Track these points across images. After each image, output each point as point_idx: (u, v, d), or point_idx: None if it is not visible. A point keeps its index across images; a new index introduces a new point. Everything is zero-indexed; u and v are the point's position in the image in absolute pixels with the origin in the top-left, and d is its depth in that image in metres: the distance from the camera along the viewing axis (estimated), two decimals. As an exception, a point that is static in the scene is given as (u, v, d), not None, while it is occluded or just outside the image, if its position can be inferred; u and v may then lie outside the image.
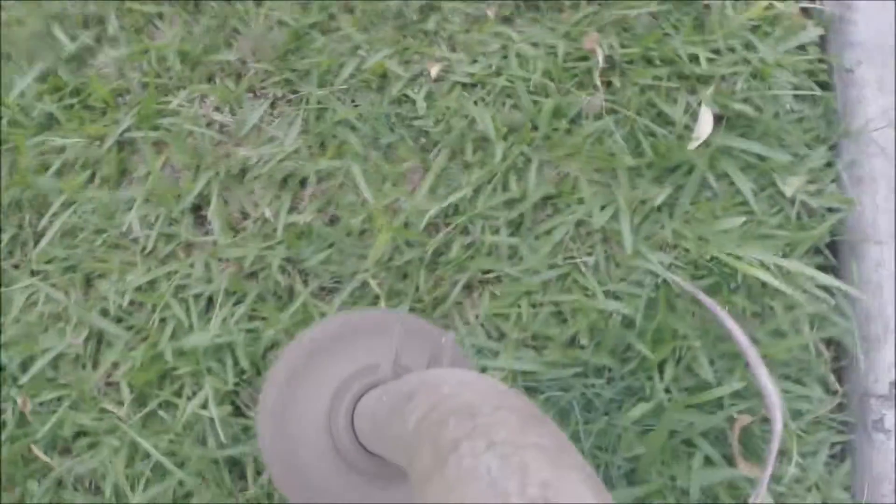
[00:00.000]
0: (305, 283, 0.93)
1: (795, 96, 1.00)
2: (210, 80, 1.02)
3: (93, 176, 1.01)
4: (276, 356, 0.76)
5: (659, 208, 0.94)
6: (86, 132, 1.00)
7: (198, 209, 0.98)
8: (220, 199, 0.97)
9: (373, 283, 0.90)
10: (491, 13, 1.02)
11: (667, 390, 0.87)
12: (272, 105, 1.00)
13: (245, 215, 0.97)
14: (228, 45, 1.03)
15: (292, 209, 0.96)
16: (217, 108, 1.00)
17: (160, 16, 1.06)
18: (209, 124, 1.00)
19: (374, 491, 0.64)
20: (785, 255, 0.92)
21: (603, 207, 0.94)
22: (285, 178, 0.96)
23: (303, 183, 0.97)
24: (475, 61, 1.00)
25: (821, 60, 1.03)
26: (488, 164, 0.95)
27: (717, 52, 1.01)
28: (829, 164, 0.99)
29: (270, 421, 0.67)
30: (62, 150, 1.01)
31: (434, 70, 0.99)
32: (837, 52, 1.03)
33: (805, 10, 1.06)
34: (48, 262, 0.97)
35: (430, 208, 0.92)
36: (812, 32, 1.03)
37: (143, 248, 0.96)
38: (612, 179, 0.95)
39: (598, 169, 0.95)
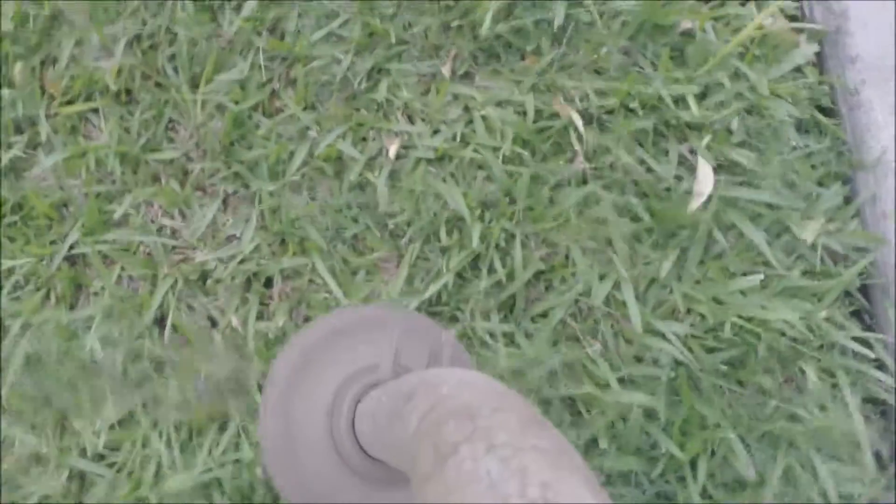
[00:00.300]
0: None
1: (798, 129, 0.88)
2: (155, 180, 0.92)
3: (48, 294, 0.92)
4: (277, 356, 0.73)
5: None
6: (32, 252, 0.91)
7: (163, 320, 0.90)
8: (182, 310, 0.88)
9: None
10: (446, 71, 0.89)
11: (703, 492, 0.79)
12: (224, 202, 0.90)
13: (213, 322, 0.89)
14: (170, 140, 0.92)
15: (261, 315, 0.87)
16: (166, 213, 0.90)
17: (95, 111, 0.94)
18: (160, 230, 0.90)
19: (375, 493, 0.62)
20: (812, 310, 0.83)
21: (602, 278, 0.84)
22: (248, 280, 0.87)
23: (269, 283, 0.88)
24: (437, 132, 0.89)
25: (821, 82, 0.90)
26: (467, 246, 0.85)
27: (704, 89, 0.88)
28: (847, 201, 0.88)
29: (271, 422, 0.65)
30: (11, 271, 0.92)
31: (393, 148, 0.87)
32: (837, 70, 0.90)
33: (794, 24, 0.92)
34: (18, 397, 0.90)
35: (410, 301, 0.83)
36: (806, 50, 0.89)
37: (112, 373, 0.88)
38: (608, 247, 0.85)
39: (592, 237, 0.84)
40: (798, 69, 0.90)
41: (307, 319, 0.86)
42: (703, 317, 0.83)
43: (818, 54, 0.91)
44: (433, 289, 0.83)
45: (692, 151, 0.87)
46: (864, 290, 0.87)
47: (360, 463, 0.60)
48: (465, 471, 0.29)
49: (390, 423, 0.41)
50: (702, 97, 0.88)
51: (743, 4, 0.93)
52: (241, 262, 0.87)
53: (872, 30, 0.88)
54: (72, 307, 0.91)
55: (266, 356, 0.84)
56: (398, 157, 0.88)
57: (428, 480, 0.30)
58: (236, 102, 0.90)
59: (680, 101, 0.87)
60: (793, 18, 0.93)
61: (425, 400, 0.36)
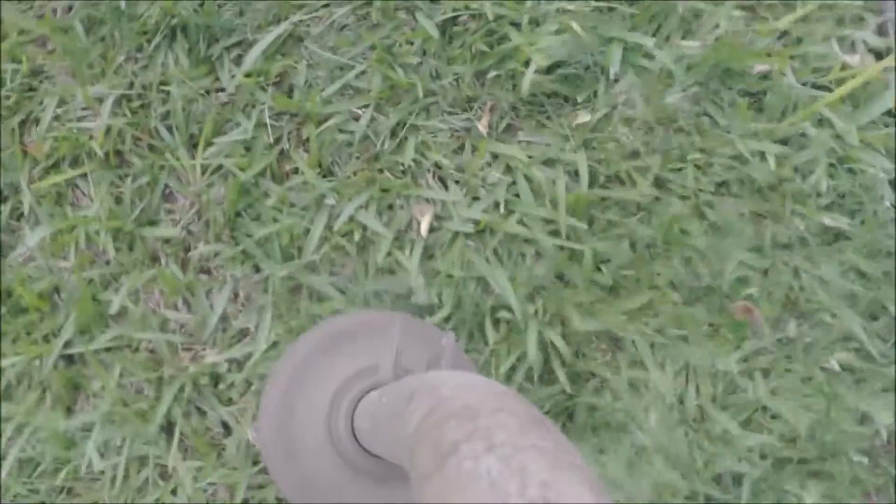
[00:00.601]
0: None
1: (894, 184, 0.74)
2: (154, 260, 0.78)
3: (43, 394, 0.79)
4: (277, 356, 0.68)
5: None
6: (23, 350, 0.78)
7: (171, 426, 0.77)
8: (192, 415, 0.75)
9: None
10: (482, 126, 0.75)
11: None
12: (234, 290, 0.77)
13: (227, 430, 0.76)
14: (168, 211, 0.78)
15: (279, 423, 0.74)
16: (168, 303, 0.77)
17: (83, 176, 0.80)
18: (163, 324, 0.77)
19: (375, 491, 0.61)
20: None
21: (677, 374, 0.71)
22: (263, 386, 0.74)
23: (284, 383, 0.74)
24: (476, 198, 0.74)
25: (920, 129, 0.75)
26: (517, 344, 0.71)
27: (784, 143, 0.73)
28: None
29: (271, 422, 0.63)
30: (1, 370, 0.79)
31: (425, 221, 0.73)
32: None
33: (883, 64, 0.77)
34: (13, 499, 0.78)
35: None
36: (901, 90, 0.74)
37: (113, 482, 0.75)
38: (680, 341, 0.72)
39: (659, 330, 0.71)
40: (890, 114, 0.75)
41: None
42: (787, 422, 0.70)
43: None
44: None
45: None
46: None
47: (358, 460, 0.58)
48: (465, 470, 0.28)
49: (390, 422, 0.40)
50: (784, 157, 0.73)
51: (823, 42, 0.77)
52: (257, 362, 0.74)
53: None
54: (69, 409, 0.78)
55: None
56: (432, 229, 0.74)
57: (428, 479, 0.29)
58: (242, 169, 0.76)
59: (759, 157, 0.73)
60: (879, 56, 0.78)
61: (426, 401, 0.35)
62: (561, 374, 0.71)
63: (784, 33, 0.77)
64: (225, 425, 0.75)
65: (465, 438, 0.29)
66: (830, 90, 0.75)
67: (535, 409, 0.33)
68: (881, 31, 0.81)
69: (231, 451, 0.74)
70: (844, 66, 0.75)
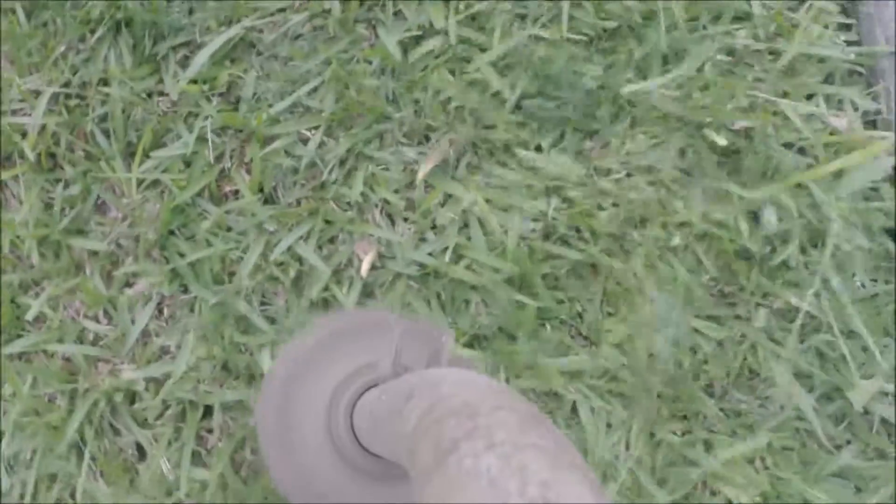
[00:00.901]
0: None
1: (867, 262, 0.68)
2: (79, 269, 0.72)
3: (-47, 397, 0.75)
4: (276, 355, 0.66)
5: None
6: (-68, 348, 0.73)
7: (84, 443, 0.72)
8: (105, 434, 0.70)
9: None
10: (435, 160, 0.69)
11: None
12: (159, 307, 0.71)
13: (142, 454, 0.71)
14: (99, 223, 0.72)
15: (197, 456, 0.69)
16: (90, 315, 0.72)
17: (15, 178, 0.74)
18: (81, 334, 0.71)
19: (374, 490, 0.60)
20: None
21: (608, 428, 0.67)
22: (183, 409, 0.69)
23: (207, 412, 0.70)
24: (423, 240, 0.69)
25: (902, 206, 0.69)
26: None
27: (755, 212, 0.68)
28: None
29: (270, 420, 0.62)
30: None
31: (366, 261, 0.68)
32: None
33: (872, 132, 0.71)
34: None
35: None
36: (885, 163, 0.69)
37: (21, 499, 0.71)
38: (622, 407, 0.67)
39: (603, 393, 0.66)
40: (874, 188, 0.69)
41: (252, 469, 0.69)
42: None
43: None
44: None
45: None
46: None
47: (357, 458, 0.57)
48: (464, 468, 0.27)
49: (390, 420, 0.40)
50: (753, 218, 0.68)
51: (809, 98, 0.71)
52: (175, 383, 0.69)
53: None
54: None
55: (201, 513, 0.67)
56: (374, 267, 0.69)
57: (428, 477, 0.29)
58: (179, 187, 0.70)
59: (729, 222, 0.67)
60: (868, 123, 0.72)
61: (425, 399, 0.34)
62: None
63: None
64: (140, 448, 0.71)
65: (464, 436, 0.29)
66: (814, 156, 0.69)
67: (535, 407, 0.32)
68: (871, 89, 0.75)
69: (144, 479, 0.69)
70: (833, 132, 0.69)
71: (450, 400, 0.32)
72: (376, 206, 0.70)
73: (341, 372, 0.60)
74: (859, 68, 0.76)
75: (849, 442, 0.70)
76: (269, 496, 0.66)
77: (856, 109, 0.73)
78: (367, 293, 0.69)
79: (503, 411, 0.30)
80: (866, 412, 0.69)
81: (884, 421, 0.68)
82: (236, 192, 0.71)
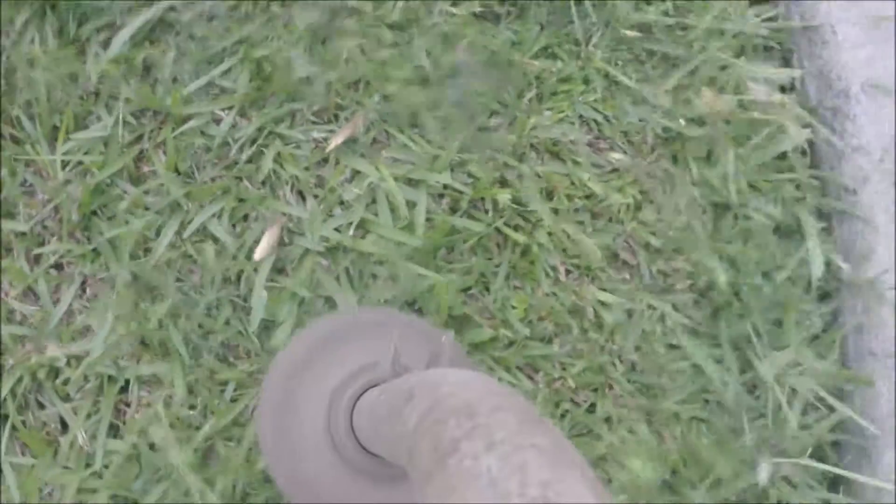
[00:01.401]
0: None
1: (778, 233, 0.67)
2: (8, 251, 0.73)
3: None
4: (276, 355, 0.65)
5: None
6: None
7: (5, 418, 0.73)
8: (30, 409, 0.71)
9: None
10: (343, 137, 0.69)
11: None
12: (82, 286, 0.72)
13: (65, 428, 0.72)
14: (27, 206, 0.73)
15: (115, 429, 0.70)
16: (16, 296, 0.73)
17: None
18: (8, 315, 0.72)
19: (374, 490, 0.58)
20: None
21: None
22: (101, 385, 0.70)
23: (125, 388, 0.70)
24: (330, 216, 0.69)
25: (812, 177, 0.68)
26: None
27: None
28: (825, 329, 0.68)
29: (270, 420, 0.61)
30: None
31: (272, 235, 0.68)
32: (833, 163, 0.68)
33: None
34: None
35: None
36: (797, 136, 0.67)
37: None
38: (530, 376, 0.66)
39: (511, 366, 0.66)
40: (784, 156, 0.68)
41: (166, 441, 0.69)
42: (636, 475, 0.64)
43: (811, 143, 0.69)
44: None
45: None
46: (838, 446, 0.67)
47: (357, 459, 0.56)
48: (464, 468, 0.27)
49: (390, 420, 0.39)
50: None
51: (723, 70, 0.70)
52: (94, 361, 0.69)
53: (881, 116, 0.66)
54: None
55: (113, 484, 0.67)
56: (283, 244, 0.69)
57: (428, 478, 0.29)
58: (98, 168, 0.70)
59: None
60: (782, 90, 0.71)
61: (425, 399, 0.34)
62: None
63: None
64: (63, 422, 0.71)
65: (464, 437, 0.29)
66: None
67: (535, 407, 0.32)
68: (786, 62, 0.74)
69: (64, 451, 0.70)
70: (743, 104, 0.68)
71: (450, 400, 0.32)
72: (287, 183, 0.70)
73: (341, 372, 0.59)
74: (774, 44, 0.74)
75: (762, 415, 0.69)
76: (181, 468, 0.67)
77: (769, 84, 0.72)
78: (279, 270, 0.69)
79: (503, 411, 0.30)
80: (778, 383, 0.68)
81: (794, 391, 0.67)
82: (154, 171, 0.71)
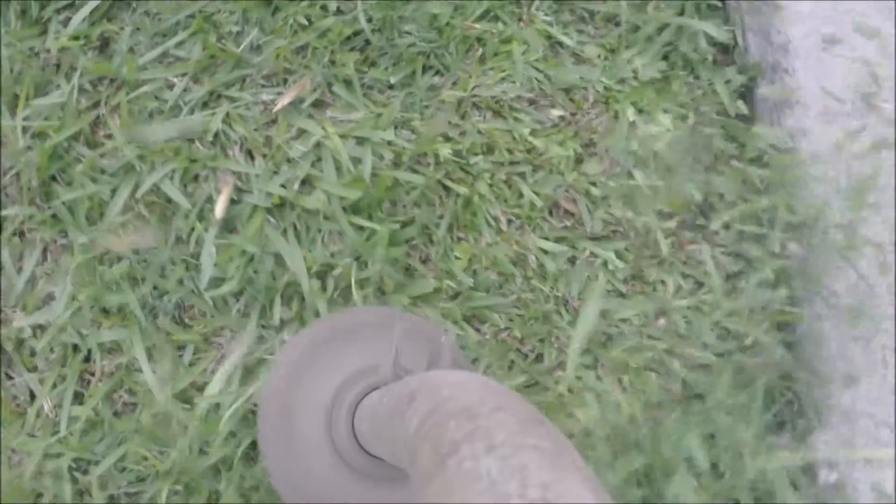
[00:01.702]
0: (103, 488, 0.69)
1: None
2: (-29, 220, 0.75)
3: None
4: (277, 356, 0.66)
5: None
6: None
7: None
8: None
9: (164, 495, 0.66)
10: (290, 98, 0.70)
11: None
12: (44, 252, 0.73)
13: (34, 398, 0.73)
14: (-12, 173, 0.75)
15: (79, 396, 0.70)
16: (-21, 261, 0.74)
17: None
18: (-27, 283, 0.74)
19: (375, 492, 0.58)
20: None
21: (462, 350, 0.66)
22: (65, 355, 0.71)
23: (89, 357, 0.71)
24: (276, 173, 0.70)
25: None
26: (306, 322, 0.67)
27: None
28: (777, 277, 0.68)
29: (272, 422, 0.61)
30: None
31: (224, 193, 0.69)
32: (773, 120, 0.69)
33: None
34: None
35: (236, 398, 0.66)
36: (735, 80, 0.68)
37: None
38: (476, 327, 0.67)
39: (457, 318, 0.66)
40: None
41: (128, 405, 0.70)
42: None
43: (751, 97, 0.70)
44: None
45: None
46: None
47: (359, 461, 0.56)
48: (465, 470, 0.27)
49: (391, 423, 0.39)
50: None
51: (662, 30, 0.71)
52: (58, 330, 0.70)
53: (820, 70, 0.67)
54: None
55: (77, 448, 0.68)
56: (233, 201, 0.70)
57: (428, 480, 0.29)
58: (55, 131, 0.72)
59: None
60: (725, 49, 0.72)
61: (426, 402, 0.34)
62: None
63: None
64: (32, 393, 0.72)
65: (464, 438, 0.29)
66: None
67: (535, 408, 0.32)
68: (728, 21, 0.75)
69: (31, 418, 0.71)
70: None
71: (450, 402, 0.32)
72: (235, 143, 0.71)
73: (342, 374, 0.59)
74: (716, 1, 0.76)
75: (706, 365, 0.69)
76: (140, 430, 0.68)
77: (711, 43, 0.73)
78: (230, 228, 0.70)
79: (503, 413, 0.30)
80: (727, 330, 0.68)
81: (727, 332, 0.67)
82: (110, 135, 0.73)
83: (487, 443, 0.28)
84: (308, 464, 0.59)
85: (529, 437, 0.28)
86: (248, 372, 0.67)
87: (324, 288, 0.67)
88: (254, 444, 0.66)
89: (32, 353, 0.72)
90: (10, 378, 0.73)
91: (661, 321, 0.68)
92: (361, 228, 0.68)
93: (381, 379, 0.55)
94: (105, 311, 0.70)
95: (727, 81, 0.73)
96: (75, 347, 0.70)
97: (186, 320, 0.70)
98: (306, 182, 0.70)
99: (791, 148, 0.70)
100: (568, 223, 0.70)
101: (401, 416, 0.36)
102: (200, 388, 0.70)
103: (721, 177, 0.71)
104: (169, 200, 0.71)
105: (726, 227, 0.71)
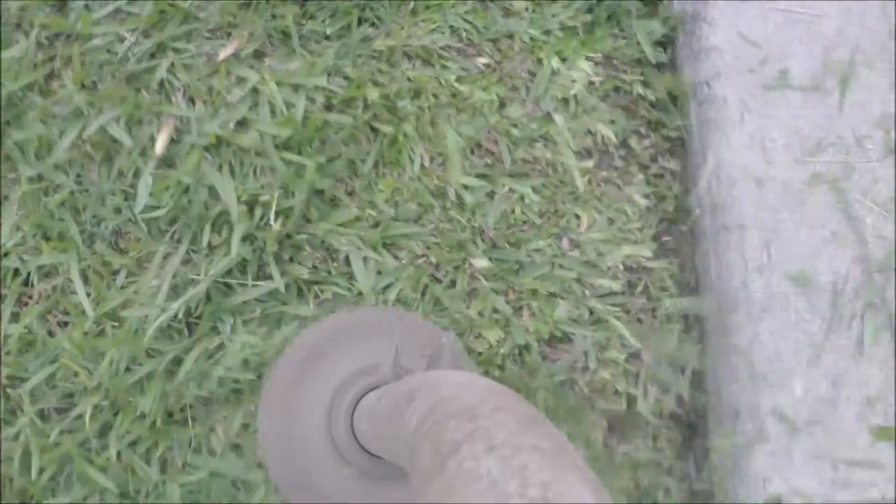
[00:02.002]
0: (34, 402, 0.71)
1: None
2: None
3: None
4: (278, 357, 0.67)
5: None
6: None
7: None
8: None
9: (89, 410, 0.68)
10: (231, 49, 0.75)
11: None
12: (-7, 191, 0.77)
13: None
14: (-52, 120, 0.79)
15: (16, 317, 0.73)
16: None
17: None
18: (-74, 219, 0.78)
19: (374, 491, 0.60)
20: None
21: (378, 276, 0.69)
22: (4, 276, 0.74)
23: (28, 281, 0.74)
24: (215, 115, 0.74)
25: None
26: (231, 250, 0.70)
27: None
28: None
29: (272, 421, 0.62)
30: None
31: (164, 132, 0.73)
32: (692, 68, 0.73)
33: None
34: None
35: (161, 312, 0.68)
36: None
37: None
38: (394, 255, 0.69)
39: (376, 244, 0.69)
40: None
41: (62, 324, 0.73)
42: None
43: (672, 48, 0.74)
44: (187, 297, 0.69)
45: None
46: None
47: (358, 459, 0.57)
48: (465, 470, 0.27)
49: (390, 422, 0.40)
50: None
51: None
52: (4, 255, 0.74)
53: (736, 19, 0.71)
54: None
55: (12, 364, 0.70)
56: (173, 142, 0.74)
57: (428, 480, 0.29)
58: (13, 80, 0.77)
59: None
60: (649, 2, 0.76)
61: (426, 401, 0.34)
62: (275, 272, 0.69)
63: None
64: None
65: (465, 438, 0.29)
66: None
67: (535, 408, 0.32)
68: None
69: None
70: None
71: (450, 402, 0.32)
72: (179, 90, 0.76)
73: (342, 374, 0.60)
74: None
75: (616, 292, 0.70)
76: (72, 347, 0.70)
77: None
78: (169, 164, 0.74)
79: (503, 413, 0.30)
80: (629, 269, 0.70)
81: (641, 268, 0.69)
82: (64, 85, 0.78)
83: (487, 443, 0.28)
84: (308, 463, 0.60)
85: (529, 437, 0.28)
86: (175, 291, 0.70)
87: (251, 215, 0.70)
88: (177, 361, 0.68)
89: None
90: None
91: (575, 252, 0.71)
92: (291, 163, 0.71)
93: (381, 379, 0.56)
94: (46, 238, 0.74)
95: (649, 32, 0.77)
96: (16, 272, 0.73)
97: (122, 246, 0.73)
98: (242, 124, 0.74)
99: (708, 94, 0.73)
100: (489, 161, 0.73)
101: (400, 414, 0.37)
102: (128, 307, 0.72)
103: (636, 120, 0.74)
104: (114, 141, 0.75)
105: (642, 167, 0.73)
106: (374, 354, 0.59)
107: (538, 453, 0.27)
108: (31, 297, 0.74)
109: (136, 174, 0.74)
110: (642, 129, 0.75)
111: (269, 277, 0.70)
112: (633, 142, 0.74)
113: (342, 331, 0.64)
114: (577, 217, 0.71)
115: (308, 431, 0.60)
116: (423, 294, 0.69)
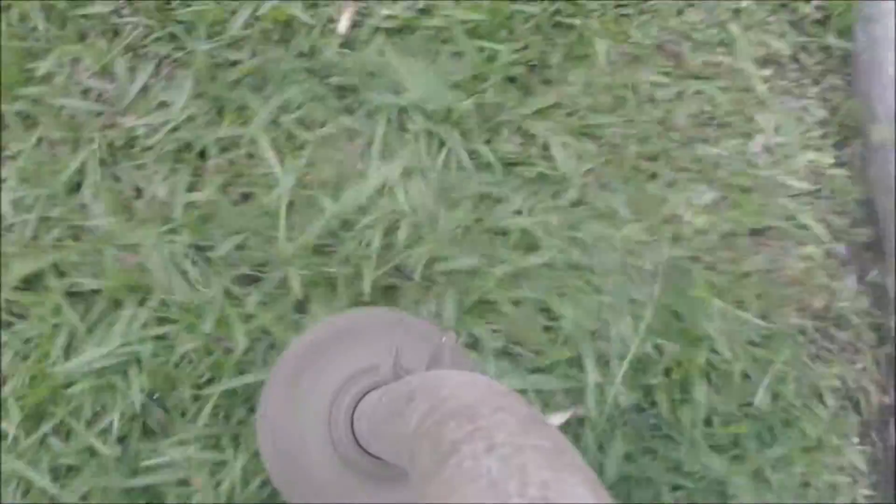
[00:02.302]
0: (219, 274, 0.68)
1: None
2: (82, 38, 0.76)
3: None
4: (278, 356, 0.66)
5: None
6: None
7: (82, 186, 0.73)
8: (104, 176, 0.71)
9: (294, 276, 0.66)
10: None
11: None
12: (158, 66, 0.74)
13: (139, 193, 0.72)
14: (106, -10, 0.76)
15: (192, 187, 0.70)
16: (94, 74, 0.74)
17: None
18: (85, 93, 0.74)
19: (374, 491, 0.59)
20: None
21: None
22: (179, 150, 0.71)
23: (203, 154, 0.71)
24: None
25: None
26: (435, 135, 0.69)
27: None
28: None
29: (271, 422, 0.62)
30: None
31: (346, 15, 0.72)
32: None
33: None
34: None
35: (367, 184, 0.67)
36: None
37: (23, 236, 0.71)
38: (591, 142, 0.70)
39: (573, 131, 0.69)
40: None
41: (245, 196, 0.70)
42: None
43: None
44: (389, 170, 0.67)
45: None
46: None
47: (358, 460, 0.57)
48: (465, 469, 0.27)
49: (391, 422, 0.39)
50: None
51: None
52: (173, 129, 0.71)
53: None
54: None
55: (195, 230, 0.67)
56: (355, 25, 0.73)
57: (428, 479, 0.29)
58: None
59: None
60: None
61: (426, 401, 0.34)
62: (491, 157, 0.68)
63: None
64: (138, 190, 0.72)
65: (465, 438, 0.28)
66: None
67: (535, 408, 0.32)
68: None
69: (141, 209, 0.70)
70: None
71: (450, 402, 0.32)
72: (360, -29, 0.74)
73: (342, 374, 0.60)
74: None
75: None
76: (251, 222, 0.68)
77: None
78: (351, 47, 0.73)
79: (503, 413, 0.30)
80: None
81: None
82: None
83: (488, 443, 0.28)
84: (308, 464, 0.60)
85: (529, 437, 0.28)
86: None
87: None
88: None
89: (143, 150, 0.71)
90: (116, 178, 0.72)
91: (764, 155, 0.72)
92: (483, 49, 0.71)
93: (381, 379, 0.56)
94: (221, 114, 0.71)
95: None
96: (188, 145, 0.70)
97: (307, 123, 0.71)
98: (425, 10, 0.73)
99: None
100: (672, 63, 0.74)
101: (400, 414, 0.37)
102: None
103: (804, 37, 0.76)
104: (291, 22, 0.73)
105: (814, 81, 0.75)
106: (374, 355, 0.59)
107: (538, 453, 0.27)
108: (204, 171, 0.71)
109: (319, 55, 0.72)
110: (811, 46, 0.77)
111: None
112: (803, 57, 0.76)
113: (342, 332, 0.64)
114: (760, 121, 0.73)
115: (308, 432, 0.60)
116: (627, 182, 0.69)
